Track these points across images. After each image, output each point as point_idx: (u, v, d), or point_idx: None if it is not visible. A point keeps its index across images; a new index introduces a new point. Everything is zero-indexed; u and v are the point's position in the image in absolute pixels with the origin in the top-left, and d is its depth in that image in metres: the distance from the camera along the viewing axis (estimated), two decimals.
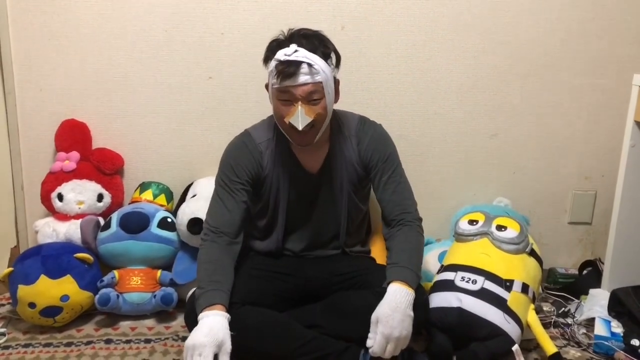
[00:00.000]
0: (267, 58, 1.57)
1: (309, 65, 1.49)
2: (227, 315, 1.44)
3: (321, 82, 1.52)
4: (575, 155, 2.16)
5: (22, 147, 2.06)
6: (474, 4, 2.02)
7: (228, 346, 1.39)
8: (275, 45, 1.55)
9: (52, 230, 1.96)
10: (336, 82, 1.61)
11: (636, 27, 2.06)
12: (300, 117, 1.50)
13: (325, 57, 1.54)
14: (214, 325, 1.39)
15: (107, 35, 1.99)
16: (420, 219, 1.67)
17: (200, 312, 1.43)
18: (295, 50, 1.49)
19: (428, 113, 2.10)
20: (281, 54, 1.50)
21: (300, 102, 1.51)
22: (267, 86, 1.61)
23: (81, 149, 2.03)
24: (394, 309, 1.42)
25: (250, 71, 2.02)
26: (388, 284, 1.49)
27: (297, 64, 1.49)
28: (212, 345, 1.35)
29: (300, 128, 1.51)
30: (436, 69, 2.06)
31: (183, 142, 2.09)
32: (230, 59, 2.02)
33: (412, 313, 1.44)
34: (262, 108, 1.85)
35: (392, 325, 1.40)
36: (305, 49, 1.50)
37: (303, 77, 1.49)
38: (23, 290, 1.75)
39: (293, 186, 1.68)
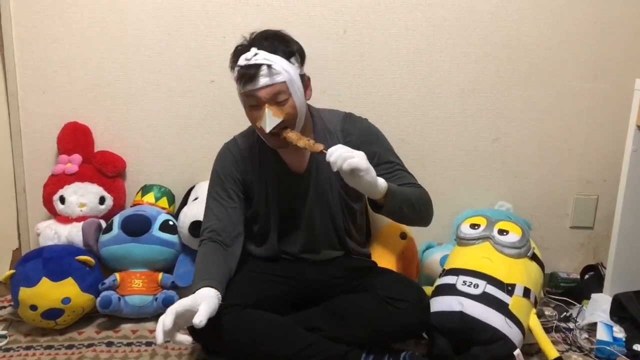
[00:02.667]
0: (231, 66, 1.56)
1: (268, 66, 1.48)
2: (214, 290, 1.43)
3: (285, 82, 1.51)
4: (577, 159, 2.16)
5: (25, 149, 2.07)
6: (475, 9, 2.02)
7: (208, 303, 1.36)
8: (236, 51, 1.55)
9: (53, 233, 1.96)
10: (305, 79, 1.59)
11: (638, 31, 2.06)
12: (267, 120, 1.49)
13: (288, 55, 1.53)
14: (192, 297, 1.39)
15: (109, 38, 2.00)
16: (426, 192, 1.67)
17: None
18: (255, 54, 1.48)
19: (429, 117, 2.10)
20: (242, 59, 1.50)
21: (266, 105, 1.50)
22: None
23: (83, 152, 2.03)
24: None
25: None
26: None
27: (257, 66, 1.48)
28: (179, 306, 1.34)
29: (267, 130, 1.50)
30: (438, 73, 2.07)
31: (185, 145, 2.09)
32: None
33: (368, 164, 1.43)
34: None
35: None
36: (267, 51, 1.49)
37: (263, 80, 1.48)
38: (24, 292, 1.75)
39: (281, 188, 1.68)
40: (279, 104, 1.52)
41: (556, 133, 2.14)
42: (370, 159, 1.62)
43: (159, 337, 1.30)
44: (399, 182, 1.62)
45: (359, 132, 1.68)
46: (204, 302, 1.36)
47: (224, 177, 1.66)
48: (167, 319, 1.30)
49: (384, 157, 1.66)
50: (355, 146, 1.61)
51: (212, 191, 1.68)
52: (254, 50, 1.49)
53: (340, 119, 1.71)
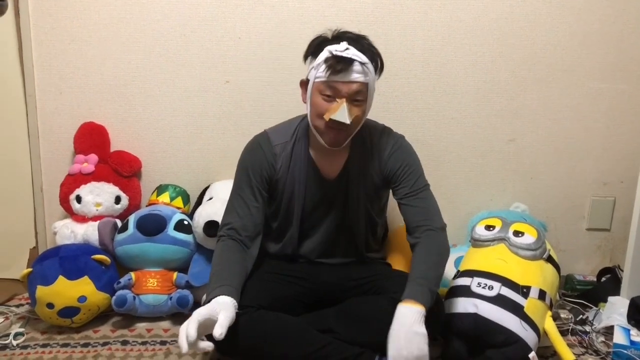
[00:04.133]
0: (310, 53, 1.56)
1: (361, 63, 1.49)
2: (230, 298, 1.42)
3: (368, 84, 1.52)
4: (593, 160, 2.14)
5: (42, 149, 2.09)
6: (491, 8, 2.01)
7: (226, 313, 1.36)
8: (321, 41, 1.54)
9: (70, 232, 1.98)
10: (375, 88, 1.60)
11: None
12: (346, 113, 1.48)
13: (373, 59, 1.54)
14: (211, 305, 1.38)
15: (126, 39, 2.02)
16: (444, 226, 1.63)
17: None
18: (347, 48, 1.49)
19: (445, 117, 2.09)
20: (332, 48, 1.49)
21: (344, 100, 1.50)
22: (302, 83, 1.60)
23: (99, 152, 2.05)
24: (398, 330, 1.38)
25: (266, 75, 2.03)
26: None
27: (350, 60, 1.48)
28: (199, 316, 1.34)
29: (348, 122, 1.48)
30: (453, 73, 2.06)
31: (200, 146, 2.10)
32: (247, 63, 2.03)
33: (421, 329, 1.38)
34: (278, 111, 1.87)
35: (398, 347, 1.36)
36: (356, 48, 1.50)
37: (354, 75, 1.49)
38: (41, 290, 1.77)
39: (309, 191, 1.67)
40: (355, 103, 1.52)
41: (573, 134, 2.12)
42: (398, 177, 1.64)
43: (184, 347, 1.29)
44: (418, 202, 1.62)
45: (391, 148, 1.67)
46: (222, 311, 1.36)
47: (252, 174, 1.64)
48: (191, 330, 1.30)
49: (411, 180, 1.64)
50: (386, 159, 1.65)
51: (238, 186, 1.65)
52: (345, 44, 1.49)
53: (377, 133, 1.69)
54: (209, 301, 1.42)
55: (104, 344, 1.75)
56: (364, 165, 1.67)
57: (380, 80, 2.02)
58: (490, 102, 2.09)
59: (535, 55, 2.05)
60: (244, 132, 1.81)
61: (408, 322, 1.38)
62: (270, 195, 1.68)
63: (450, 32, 2.03)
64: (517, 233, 1.79)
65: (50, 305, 1.77)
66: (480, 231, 1.86)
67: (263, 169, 1.64)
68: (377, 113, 1.81)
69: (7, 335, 1.77)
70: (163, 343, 1.76)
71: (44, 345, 1.74)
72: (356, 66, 1.49)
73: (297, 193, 1.67)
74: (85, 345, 1.75)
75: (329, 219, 1.70)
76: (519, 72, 2.06)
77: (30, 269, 1.83)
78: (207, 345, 1.36)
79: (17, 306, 1.99)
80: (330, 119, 1.50)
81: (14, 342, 1.74)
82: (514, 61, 2.05)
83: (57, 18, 2.00)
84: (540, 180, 2.16)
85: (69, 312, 1.78)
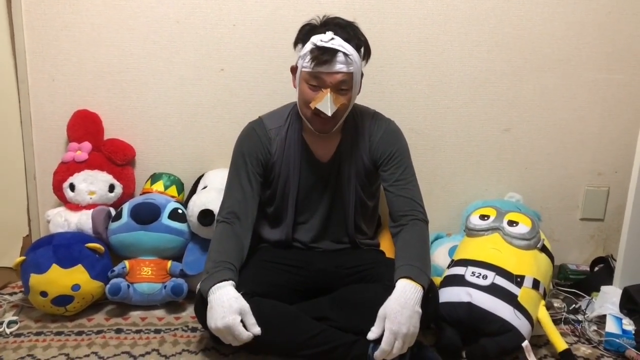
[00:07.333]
0: (299, 41, 1.59)
1: (345, 54, 1.51)
2: (231, 281, 1.48)
3: (352, 73, 1.54)
4: (588, 150, 2.14)
5: (35, 137, 2.08)
6: None
7: (246, 306, 1.44)
8: (309, 29, 1.57)
9: (63, 220, 1.97)
10: (362, 76, 1.63)
11: None
12: (329, 104, 1.52)
13: (358, 48, 1.56)
14: (224, 300, 1.43)
15: (119, 26, 2.00)
16: (428, 221, 1.67)
17: (207, 291, 1.47)
18: (332, 38, 1.51)
19: (440, 107, 2.09)
20: (317, 39, 1.51)
21: (329, 90, 1.53)
22: (292, 69, 1.63)
23: (93, 140, 2.03)
24: (402, 305, 1.41)
25: (261, 63, 2.02)
26: (397, 280, 1.48)
27: (334, 52, 1.51)
28: (236, 319, 1.40)
29: (330, 114, 1.52)
30: (449, 62, 2.05)
31: (194, 134, 2.09)
32: (242, 51, 2.02)
33: (420, 310, 1.43)
34: (273, 100, 1.86)
35: (400, 322, 1.39)
36: (341, 37, 1.52)
37: (338, 66, 1.51)
38: (35, 279, 1.77)
39: (303, 174, 1.70)
40: (340, 92, 1.55)
41: (568, 124, 2.12)
42: (387, 161, 1.68)
43: (244, 335, 1.42)
44: (405, 193, 1.66)
45: (382, 132, 1.70)
46: (245, 315, 1.44)
47: (249, 159, 1.67)
48: (242, 331, 1.41)
49: (400, 165, 1.68)
50: (377, 143, 1.68)
51: (235, 172, 1.69)
52: (330, 34, 1.51)
53: (369, 118, 1.73)
54: (211, 282, 1.47)
55: (98, 332, 1.75)
56: (355, 148, 1.70)
57: (375, 69, 2.03)
58: (486, 92, 2.08)
59: (531, 45, 2.04)
60: (238, 120, 1.80)
61: (411, 300, 1.42)
62: (266, 180, 1.71)
63: (447, 21, 2.02)
64: (511, 223, 1.80)
65: (43, 294, 1.76)
66: (475, 220, 1.86)
67: (259, 153, 1.68)
68: (372, 102, 1.81)
69: (1, 323, 1.76)
70: (157, 331, 1.76)
71: (38, 334, 1.74)
72: (340, 57, 1.52)
73: (291, 176, 1.69)
74: (79, 333, 1.74)
75: (323, 202, 1.72)
76: (514, 61, 2.06)
77: (23, 257, 1.82)
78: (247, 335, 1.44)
79: (11, 294, 1.98)
80: (316, 108, 1.54)
81: (8, 330, 1.74)
82: (510, 51, 2.05)
83: (50, 4, 1.97)
84: (534, 170, 2.16)
85: (62, 300, 1.78)
